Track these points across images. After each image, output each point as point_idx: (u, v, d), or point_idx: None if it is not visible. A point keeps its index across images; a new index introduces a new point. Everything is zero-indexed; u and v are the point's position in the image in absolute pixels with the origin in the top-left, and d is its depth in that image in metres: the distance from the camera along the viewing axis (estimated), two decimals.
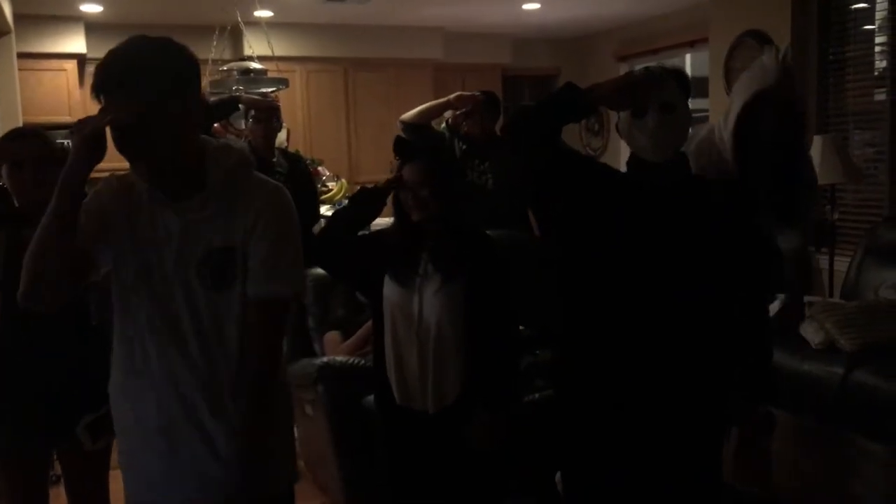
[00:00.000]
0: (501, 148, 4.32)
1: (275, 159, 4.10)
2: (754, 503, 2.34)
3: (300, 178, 4.18)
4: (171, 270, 1.57)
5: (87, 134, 1.44)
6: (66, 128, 5.57)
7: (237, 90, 5.19)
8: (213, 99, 4.49)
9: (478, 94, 4.30)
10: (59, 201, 1.46)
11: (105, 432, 1.73)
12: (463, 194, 2.49)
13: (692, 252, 2.02)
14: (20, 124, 5.93)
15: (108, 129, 1.47)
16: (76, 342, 2.19)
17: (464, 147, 4.31)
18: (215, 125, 4.35)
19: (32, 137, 2.23)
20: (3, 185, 2.20)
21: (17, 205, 2.19)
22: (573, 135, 8.51)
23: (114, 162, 1.63)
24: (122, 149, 1.50)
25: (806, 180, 2.43)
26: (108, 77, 1.48)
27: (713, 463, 2.13)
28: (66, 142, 3.30)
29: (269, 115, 4.07)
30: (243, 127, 4.41)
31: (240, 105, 4.02)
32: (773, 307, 3.93)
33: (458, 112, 4.30)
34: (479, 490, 2.32)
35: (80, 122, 1.48)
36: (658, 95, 1.97)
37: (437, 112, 4.31)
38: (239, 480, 1.61)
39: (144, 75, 1.47)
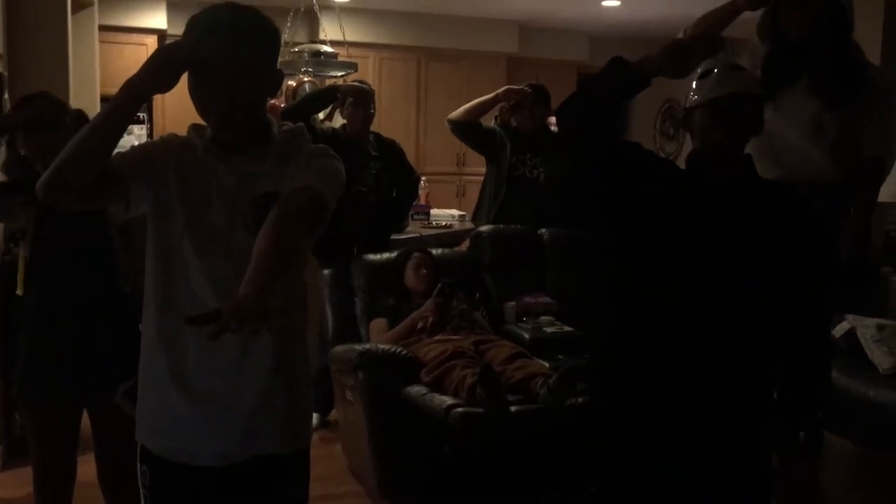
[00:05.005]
0: (554, 140, 4.26)
1: (368, 145, 4.08)
2: None
3: (396, 158, 4.18)
4: (222, 222, 1.56)
5: (175, 57, 1.46)
6: None
7: (306, 71, 5.23)
8: (308, 91, 4.56)
9: (526, 87, 4.23)
10: (118, 97, 1.46)
11: None
12: None
13: (751, 259, 1.91)
14: (97, 95, 6.07)
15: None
16: (109, 308, 2.20)
17: (513, 142, 4.24)
18: (273, 101, 4.38)
19: (40, 99, 2.25)
20: (24, 154, 2.22)
21: (40, 171, 2.18)
22: (647, 139, 8.32)
23: None
24: (204, 88, 1.51)
25: None
26: (214, 22, 1.51)
27: (759, 485, 2.01)
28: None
29: (367, 100, 4.05)
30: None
31: (338, 94, 4.02)
32: (842, 328, 3.74)
33: (506, 106, 4.24)
34: None
35: (172, 44, 1.50)
36: (720, 59, 1.88)
37: (485, 108, 4.24)
38: (262, 432, 1.58)
39: (248, 27, 1.54)
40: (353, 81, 4.43)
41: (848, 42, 2.62)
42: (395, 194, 4.25)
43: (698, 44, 1.86)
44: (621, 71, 1.87)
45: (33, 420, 2.27)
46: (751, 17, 2.71)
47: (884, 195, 4.03)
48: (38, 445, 2.29)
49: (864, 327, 3.56)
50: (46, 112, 2.20)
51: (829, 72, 2.57)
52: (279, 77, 1.65)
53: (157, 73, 1.47)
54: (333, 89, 4.13)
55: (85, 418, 2.36)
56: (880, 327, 3.52)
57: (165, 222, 1.59)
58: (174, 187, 1.58)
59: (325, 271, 3.80)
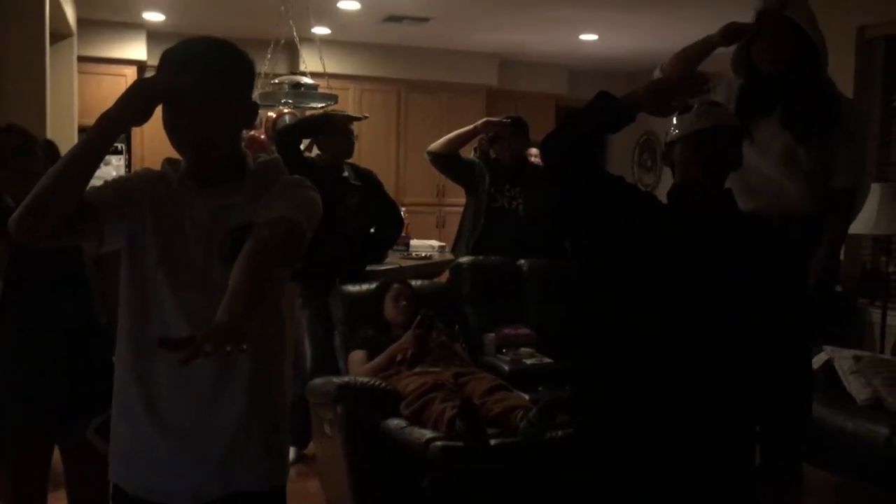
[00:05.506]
0: (535, 173, 4.28)
1: (345, 174, 4.07)
2: None
3: (375, 188, 4.18)
4: (196, 255, 1.56)
5: (150, 91, 1.47)
6: None
7: (286, 103, 5.23)
8: (292, 118, 4.56)
9: (505, 119, 4.25)
10: (94, 129, 1.46)
11: None
12: None
13: (733, 293, 1.92)
14: (75, 126, 6.05)
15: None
16: (84, 340, 2.18)
17: (492, 173, 4.26)
18: (252, 133, 4.39)
19: (8, 131, 2.23)
20: None
21: (11, 205, 2.14)
22: (626, 171, 8.39)
23: None
24: (179, 122, 1.51)
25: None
26: (189, 55, 1.52)
27: None
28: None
29: (351, 130, 4.04)
30: None
31: (330, 122, 4.00)
32: (819, 359, 3.75)
33: (485, 138, 4.27)
34: None
35: (148, 78, 1.51)
36: (701, 98, 1.91)
37: (465, 140, 4.27)
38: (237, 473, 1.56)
39: (222, 62, 1.54)
40: (333, 111, 4.43)
41: (821, 79, 2.65)
42: (374, 229, 4.23)
43: (683, 84, 1.90)
44: (609, 105, 1.90)
45: (5, 450, 2.23)
46: (725, 53, 2.75)
47: (859, 227, 4.09)
48: (12, 479, 2.24)
49: (842, 359, 3.57)
50: (15, 142, 2.18)
51: (801, 108, 2.61)
52: (254, 109, 1.66)
53: (132, 107, 1.47)
54: (328, 117, 4.13)
55: (56, 456, 2.32)
56: (857, 358, 3.53)
57: (140, 255, 1.58)
58: (149, 221, 1.57)
59: (301, 301, 3.78)
